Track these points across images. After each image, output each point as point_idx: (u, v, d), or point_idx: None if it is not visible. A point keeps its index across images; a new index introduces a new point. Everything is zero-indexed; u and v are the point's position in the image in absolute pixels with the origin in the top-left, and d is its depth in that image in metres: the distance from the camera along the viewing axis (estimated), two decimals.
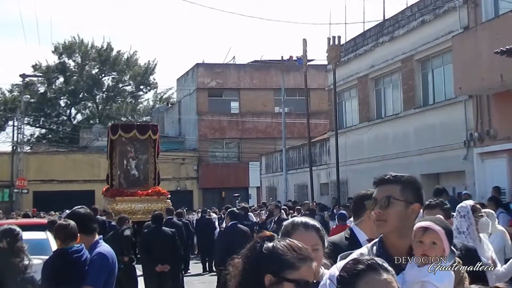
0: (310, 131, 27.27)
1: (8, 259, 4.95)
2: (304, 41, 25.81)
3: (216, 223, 20.49)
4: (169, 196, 20.20)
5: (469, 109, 17.49)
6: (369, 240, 4.07)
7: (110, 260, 5.20)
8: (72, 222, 5.20)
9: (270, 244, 2.34)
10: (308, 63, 28.36)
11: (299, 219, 3.34)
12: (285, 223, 3.31)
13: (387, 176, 3.17)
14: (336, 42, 22.94)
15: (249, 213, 18.60)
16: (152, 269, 11.15)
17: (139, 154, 20.41)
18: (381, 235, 3.14)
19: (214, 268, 15.99)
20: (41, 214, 23.81)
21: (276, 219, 15.92)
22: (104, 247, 5.28)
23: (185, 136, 44.61)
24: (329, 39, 22.97)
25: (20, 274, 4.91)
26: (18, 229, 5.31)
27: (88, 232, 5.27)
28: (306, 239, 3.04)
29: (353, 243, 4.11)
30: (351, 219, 16.32)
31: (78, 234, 5.18)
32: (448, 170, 18.19)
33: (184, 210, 22.85)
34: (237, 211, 12.77)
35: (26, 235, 6.17)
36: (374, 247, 3.10)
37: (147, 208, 16.73)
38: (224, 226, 14.39)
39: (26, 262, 5.10)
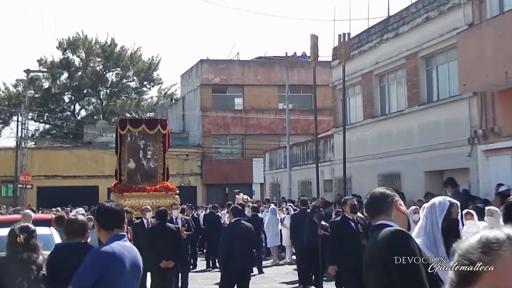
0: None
1: (24, 256, 4.91)
2: (313, 36, 25.49)
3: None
4: (178, 191, 20.00)
5: (473, 106, 17.45)
6: None
7: (108, 260, 4.61)
8: (79, 217, 5.18)
9: None
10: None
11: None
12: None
13: None
14: (347, 39, 22.81)
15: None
16: (156, 265, 11.16)
17: (148, 149, 20.19)
18: None
19: (217, 264, 15.96)
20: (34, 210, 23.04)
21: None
22: (110, 245, 4.68)
23: (189, 132, 44.62)
24: (339, 36, 22.86)
25: (39, 272, 4.86)
26: (33, 227, 5.30)
27: (107, 228, 4.82)
28: None
29: None
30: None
31: (88, 231, 5.12)
32: (452, 167, 18.15)
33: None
34: (240, 208, 12.75)
35: None
36: None
37: (156, 204, 16.48)
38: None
39: (41, 259, 5.05)
